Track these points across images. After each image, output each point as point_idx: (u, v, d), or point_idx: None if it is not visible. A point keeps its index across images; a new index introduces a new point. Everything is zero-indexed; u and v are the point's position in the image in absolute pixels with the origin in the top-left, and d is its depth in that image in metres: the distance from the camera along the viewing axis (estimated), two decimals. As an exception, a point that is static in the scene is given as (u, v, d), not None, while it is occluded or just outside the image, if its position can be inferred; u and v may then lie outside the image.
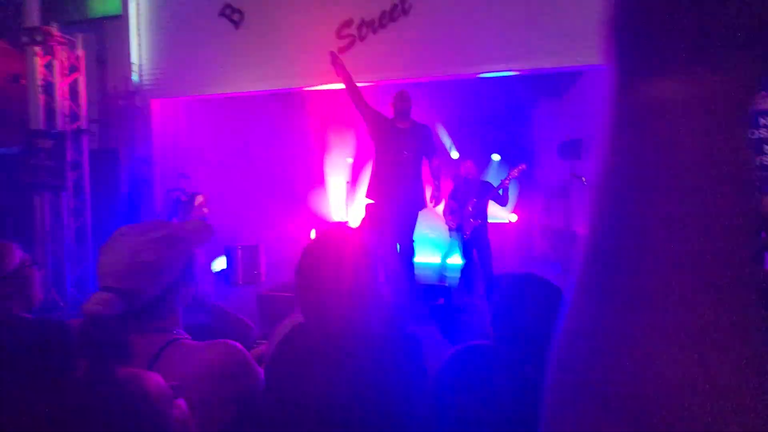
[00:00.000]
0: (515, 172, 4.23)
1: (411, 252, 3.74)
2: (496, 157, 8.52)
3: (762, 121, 2.89)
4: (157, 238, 0.94)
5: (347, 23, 4.21)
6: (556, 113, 7.32)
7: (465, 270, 4.62)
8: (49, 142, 4.19)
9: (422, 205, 3.64)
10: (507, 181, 4.23)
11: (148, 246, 0.92)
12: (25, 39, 4.16)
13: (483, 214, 4.47)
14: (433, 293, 3.99)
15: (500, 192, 4.25)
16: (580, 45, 3.68)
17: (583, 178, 5.38)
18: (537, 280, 1.03)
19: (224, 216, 5.95)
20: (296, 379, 0.91)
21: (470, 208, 4.45)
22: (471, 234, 4.48)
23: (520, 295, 1.01)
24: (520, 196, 6.00)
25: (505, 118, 7.45)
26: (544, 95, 6.68)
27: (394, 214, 3.55)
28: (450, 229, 4.64)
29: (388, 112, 3.63)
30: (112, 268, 0.91)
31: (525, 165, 4.31)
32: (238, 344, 0.96)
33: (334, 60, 3.50)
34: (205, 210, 4.58)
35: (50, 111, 4.40)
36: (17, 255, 1.27)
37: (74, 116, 4.57)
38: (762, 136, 2.90)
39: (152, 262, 0.91)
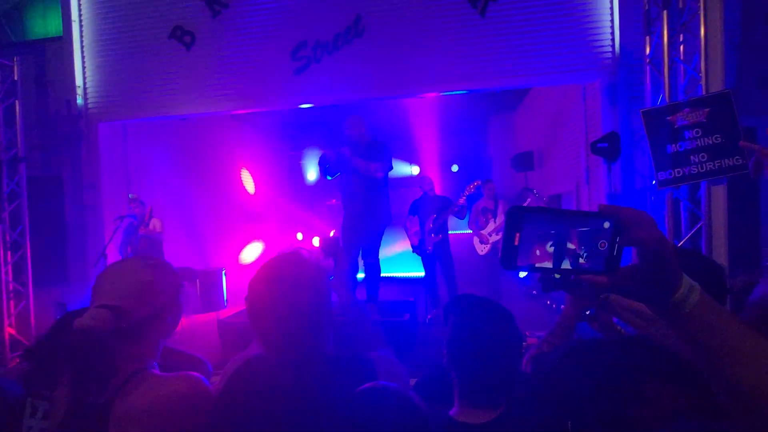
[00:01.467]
0: (471, 188, 4.37)
1: (376, 267, 3.77)
2: (454, 167, 8.74)
3: (687, 134, 3.16)
4: (152, 264, 1.02)
5: (302, 44, 4.25)
6: (509, 127, 7.66)
7: (428, 284, 4.69)
8: (-18, 172, 3.90)
9: (382, 221, 3.69)
10: (464, 197, 4.36)
11: (141, 268, 1.00)
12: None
13: (444, 228, 4.57)
14: (399, 309, 4.02)
15: (457, 209, 4.37)
16: (526, 64, 3.91)
17: (534, 190, 5.65)
18: (489, 305, 1.07)
19: (182, 241, 5.74)
20: (247, 413, 0.91)
21: (431, 224, 4.54)
22: (433, 249, 4.56)
23: (472, 319, 1.03)
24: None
25: (462, 133, 7.71)
26: (497, 111, 6.96)
27: (353, 232, 3.59)
28: (412, 245, 4.70)
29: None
30: (110, 287, 0.96)
31: (479, 181, 4.47)
32: (200, 377, 0.98)
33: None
34: (157, 230, 4.39)
35: (-18, 139, 4.11)
36: None
37: (11, 144, 4.28)
38: (688, 147, 3.17)
39: (147, 282, 0.98)
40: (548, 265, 0.52)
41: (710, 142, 3.03)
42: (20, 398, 0.93)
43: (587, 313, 1.19)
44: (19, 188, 4.30)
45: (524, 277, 4.24)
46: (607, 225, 0.52)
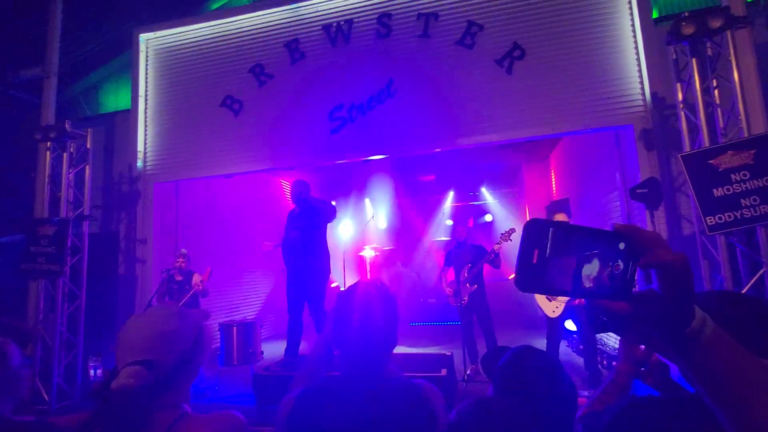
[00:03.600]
0: (506, 236, 4.31)
1: (322, 317, 3.86)
2: (488, 217, 8.64)
3: (734, 177, 3.04)
4: (171, 312, 1.05)
5: (338, 108, 4.58)
6: (543, 175, 7.61)
7: (465, 337, 4.50)
8: (52, 229, 4.31)
9: (318, 274, 4.07)
10: (498, 245, 4.29)
11: (163, 318, 1.02)
12: (38, 136, 4.47)
13: (479, 278, 4.47)
14: (436, 363, 3.85)
15: (492, 257, 4.29)
16: (555, 115, 3.99)
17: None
18: (537, 355, 1.04)
19: (221, 293, 5.92)
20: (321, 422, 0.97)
21: (466, 274, 4.45)
22: (469, 299, 4.44)
23: (521, 371, 1.02)
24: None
25: (496, 181, 7.74)
26: (531, 159, 6.99)
27: (295, 285, 4.09)
28: (448, 296, 4.60)
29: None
30: (134, 343, 0.98)
31: (514, 229, 4.40)
32: (240, 415, 1.01)
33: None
34: (201, 287, 4.55)
35: (55, 199, 4.58)
36: (17, 356, 1.31)
37: (78, 203, 4.74)
38: (737, 190, 3.03)
39: (169, 332, 1.00)
40: (566, 287, 0.48)
41: (761, 184, 2.89)
42: None
43: (642, 369, 1.12)
44: (81, 244, 4.68)
45: (573, 331, 3.91)
46: (622, 246, 0.48)
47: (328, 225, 4.27)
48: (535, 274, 0.48)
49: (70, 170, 4.70)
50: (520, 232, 0.52)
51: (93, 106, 6.26)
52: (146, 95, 5.25)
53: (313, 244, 4.08)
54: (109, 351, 4.54)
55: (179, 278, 4.49)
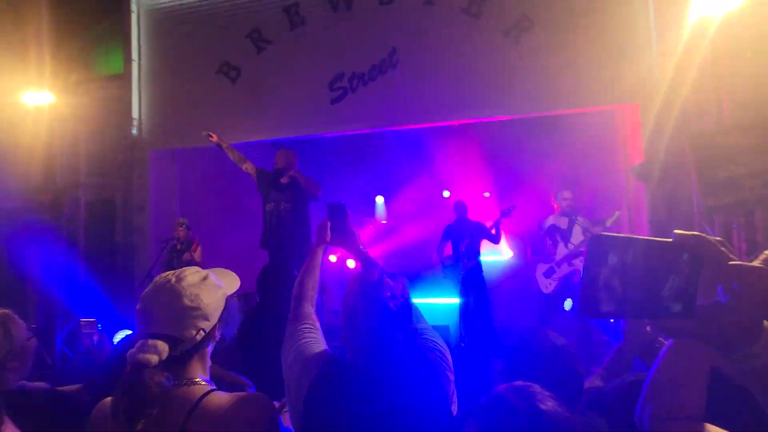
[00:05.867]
0: (506, 212, 4.31)
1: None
2: (486, 194, 8.61)
3: (740, 159, 3.02)
4: (197, 283, 0.99)
5: (339, 76, 4.45)
6: (546, 152, 7.54)
7: (463, 310, 4.59)
8: (48, 197, 4.25)
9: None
10: (499, 221, 4.31)
11: (190, 292, 0.96)
12: (30, 102, 4.33)
13: (476, 254, 4.51)
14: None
15: (493, 231, 4.31)
16: (561, 90, 3.91)
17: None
18: (545, 337, 1.06)
19: (219, 264, 5.94)
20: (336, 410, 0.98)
21: (463, 249, 4.49)
22: (466, 274, 4.49)
23: (528, 352, 1.05)
24: (513, 233, 6.05)
25: (496, 158, 7.67)
26: (529, 136, 6.90)
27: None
28: (444, 270, 4.65)
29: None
30: (157, 314, 0.95)
31: (515, 205, 4.41)
32: (266, 397, 0.99)
33: (218, 143, 4.12)
34: (198, 260, 4.58)
35: (50, 168, 4.50)
36: (23, 330, 1.33)
37: (73, 171, 4.66)
38: (742, 172, 3.03)
39: (195, 308, 0.95)
40: (642, 308, 0.44)
41: (764, 167, 2.88)
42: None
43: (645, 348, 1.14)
44: (78, 212, 4.64)
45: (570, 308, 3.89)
46: (686, 257, 0.42)
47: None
48: (605, 297, 0.43)
49: (64, 138, 4.59)
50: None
51: (84, 69, 6.04)
52: (139, 59, 5.06)
53: (299, 221, 3.95)
54: (107, 318, 4.59)
55: (180, 247, 4.49)
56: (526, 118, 4.22)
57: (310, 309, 1.23)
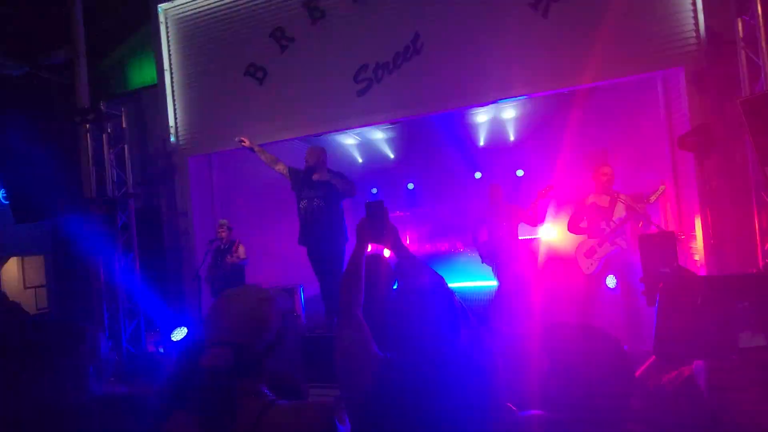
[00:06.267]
0: (543, 192, 4.20)
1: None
2: (519, 172, 8.39)
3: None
4: (262, 299, 1.07)
5: (363, 68, 4.42)
6: (577, 127, 7.22)
7: (498, 294, 4.55)
8: (102, 209, 4.55)
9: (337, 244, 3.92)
10: (536, 202, 4.21)
11: (258, 305, 1.05)
12: (78, 119, 4.60)
13: (514, 237, 4.44)
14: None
15: (530, 213, 4.22)
16: (597, 59, 3.71)
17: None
18: (595, 334, 1.05)
19: (263, 260, 6.16)
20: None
21: (500, 233, 4.43)
22: (504, 258, 4.44)
23: (579, 351, 1.03)
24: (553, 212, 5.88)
25: (529, 136, 7.42)
26: (563, 112, 6.61)
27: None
28: (482, 256, 4.62)
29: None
30: (227, 324, 1.01)
31: (552, 185, 4.28)
32: (325, 405, 1.02)
33: (250, 147, 4.29)
34: (241, 257, 4.78)
35: (100, 180, 4.79)
36: (104, 344, 1.44)
37: (121, 182, 4.94)
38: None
39: (262, 320, 1.03)
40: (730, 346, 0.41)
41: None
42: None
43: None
44: (130, 221, 4.94)
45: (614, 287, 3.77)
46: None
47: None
48: (687, 339, 0.41)
49: (111, 150, 4.86)
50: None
51: (120, 82, 6.32)
52: (171, 69, 5.22)
53: (332, 217, 3.98)
54: (162, 317, 4.88)
55: (223, 248, 4.71)
56: (563, 92, 4.04)
57: (357, 309, 1.26)
